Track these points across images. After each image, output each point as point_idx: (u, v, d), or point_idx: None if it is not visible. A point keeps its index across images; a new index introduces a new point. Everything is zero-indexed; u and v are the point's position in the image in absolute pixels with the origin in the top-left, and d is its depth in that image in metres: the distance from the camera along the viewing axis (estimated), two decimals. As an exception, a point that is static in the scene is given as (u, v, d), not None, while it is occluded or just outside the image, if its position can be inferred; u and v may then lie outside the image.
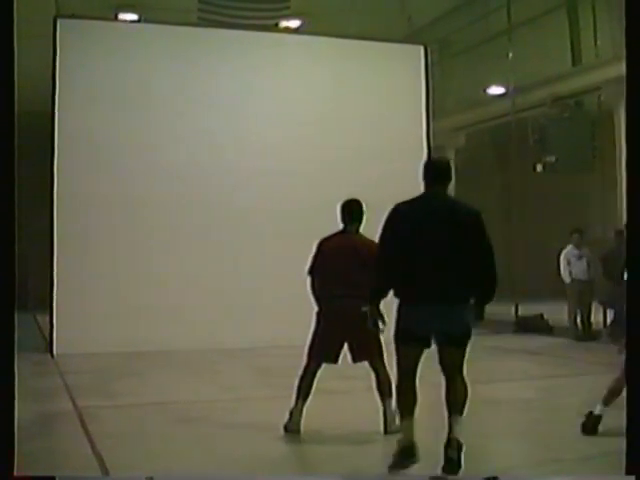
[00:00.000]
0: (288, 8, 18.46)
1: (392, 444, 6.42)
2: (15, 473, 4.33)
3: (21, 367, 4.72)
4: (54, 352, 14.08)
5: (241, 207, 15.40)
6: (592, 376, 10.57)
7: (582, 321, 16.24)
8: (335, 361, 7.88)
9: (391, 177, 15.85)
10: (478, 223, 6.30)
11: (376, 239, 6.68)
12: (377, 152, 16.02)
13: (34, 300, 18.31)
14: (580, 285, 16.26)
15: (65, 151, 14.54)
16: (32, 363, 12.65)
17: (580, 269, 16.39)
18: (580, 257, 16.47)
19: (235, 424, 8.33)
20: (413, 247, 6.21)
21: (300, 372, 7.96)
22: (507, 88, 21.46)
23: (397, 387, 6.47)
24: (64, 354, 13.62)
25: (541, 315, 17.97)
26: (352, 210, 7.96)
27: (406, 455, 6.16)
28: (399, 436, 6.41)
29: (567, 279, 16.44)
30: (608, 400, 7.55)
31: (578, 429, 7.59)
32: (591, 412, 7.62)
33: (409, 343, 6.24)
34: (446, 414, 6.33)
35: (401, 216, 6.33)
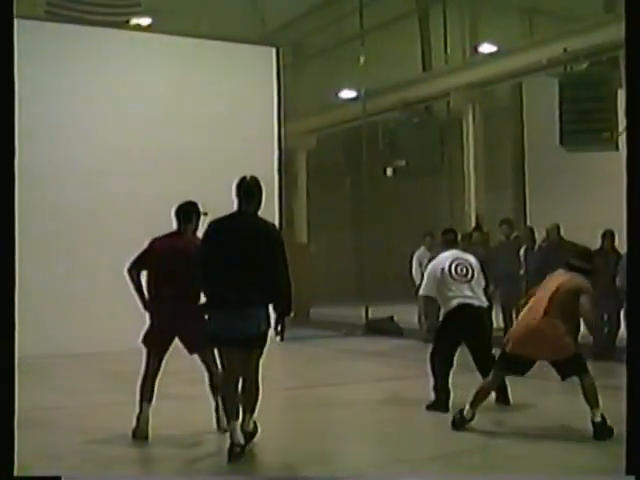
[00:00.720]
0: (139, 5, 18.18)
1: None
2: (15, 473, 4.30)
3: None
4: None
5: (85, 208, 15.05)
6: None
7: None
8: (163, 352, 7.88)
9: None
10: (278, 241, 7.06)
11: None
12: (226, 153, 15.91)
13: None
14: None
15: None
16: None
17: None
18: (431, 259, 16.70)
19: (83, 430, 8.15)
20: (220, 259, 6.91)
21: (141, 375, 7.89)
22: (358, 92, 21.69)
23: (220, 391, 7.28)
24: None
25: (391, 317, 18.18)
26: (186, 211, 8.02)
27: (232, 454, 6.78)
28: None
29: (418, 280, 16.66)
30: (474, 403, 7.92)
31: (424, 429, 7.74)
32: (461, 410, 7.93)
33: (219, 345, 7.05)
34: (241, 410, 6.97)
35: (212, 232, 7.09)
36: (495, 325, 15.27)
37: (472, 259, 9.54)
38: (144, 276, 8.05)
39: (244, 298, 6.82)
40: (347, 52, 21.74)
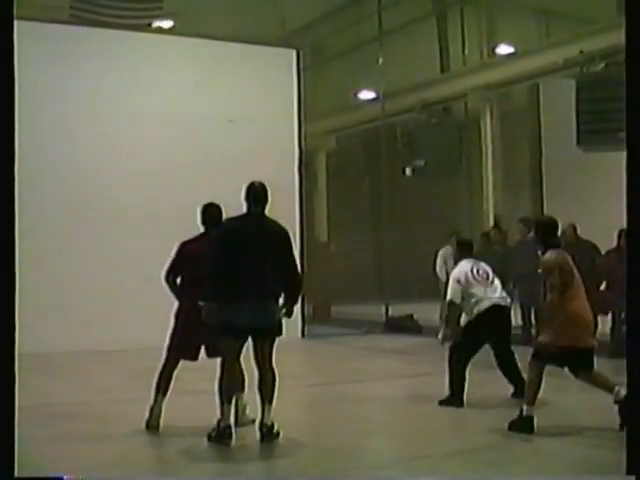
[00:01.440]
0: (161, 8, 18.33)
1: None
2: (16, 474, 4.36)
3: None
4: None
5: (112, 207, 15.23)
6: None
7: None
8: (194, 359, 8.07)
9: (262, 179, 15.95)
10: (287, 239, 7.65)
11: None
12: (248, 155, 16.06)
13: None
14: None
15: None
16: None
17: (455, 268, 16.72)
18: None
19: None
20: (234, 255, 7.35)
21: (159, 369, 8.06)
22: (377, 93, 21.78)
23: (220, 377, 7.46)
24: None
25: (411, 315, 18.28)
26: (211, 214, 8.23)
27: (224, 435, 7.26)
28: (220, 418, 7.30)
29: (443, 278, 16.75)
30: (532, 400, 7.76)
31: (443, 425, 7.81)
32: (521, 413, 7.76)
33: (230, 337, 7.34)
34: (259, 401, 7.41)
35: (226, 231, 7.61)
36: (514, 323, 15.45)
37: (487, 266, 9.76)
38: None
39: (259, 292, 7.33)
40: (366, 53, 21.85)
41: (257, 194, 7.60)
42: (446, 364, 9.32)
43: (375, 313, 19.22)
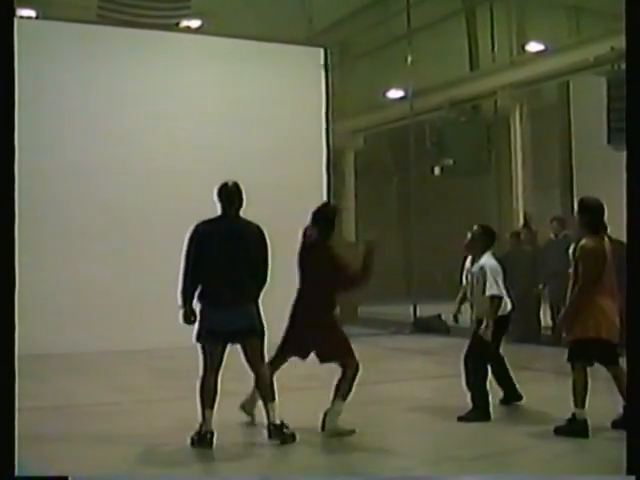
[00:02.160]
0: (189, 8, 18.34)
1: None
2: (16, 474, 4.30)
3: None
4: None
5: (142, 208, 15.26)
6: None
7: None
8: (304, 357, 8.03)
9: (290, 178, 15.96)
10: (262, 238, 7.55)
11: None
12: (277, 153, 16.05)
13: None
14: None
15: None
16: None
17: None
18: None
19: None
20: (210, 258, 7.33)
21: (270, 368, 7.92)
22: (406, 92, 21.70)
23: (201, 382, 7.36)
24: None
25: (439, 316, 18.16)
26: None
27: (204, 440, 7.18)
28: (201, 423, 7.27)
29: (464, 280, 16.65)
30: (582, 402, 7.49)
31: (472, 427, 7.73)
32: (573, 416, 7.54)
33: (211, 341, 7.35)
34: (261, 403, 7.48)
35: (200, 233, 7.49)
36: (543, 323, 15.32)
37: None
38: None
39: (233, 294, 7.32)
40: (394, 52, 21.78)
41: (230, 195, 7.52)
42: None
43: (403, 313, 19.15)
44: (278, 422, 7.37)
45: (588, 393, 7.50)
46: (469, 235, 9.19)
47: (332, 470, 6.91)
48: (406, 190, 21.75)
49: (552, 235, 15.13)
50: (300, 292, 7.98)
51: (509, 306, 8.97)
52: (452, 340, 15.63)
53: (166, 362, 12.88)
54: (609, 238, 7.86)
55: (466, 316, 9.25)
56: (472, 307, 9.14)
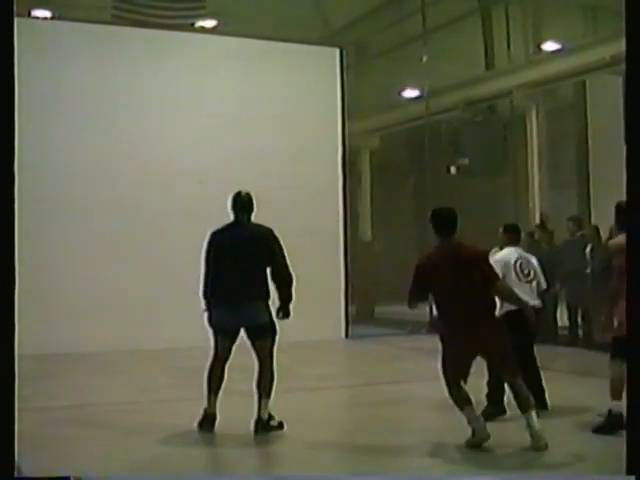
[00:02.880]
0: (204, 8, 18.41)
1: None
2: (15, 475, 4.30)
3: None
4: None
5: (160, 208, 15.30)
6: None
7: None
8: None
9: (306, 178, 15.96)
10: (275, 241, 7.97)
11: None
12: (292, 154, 16.06)
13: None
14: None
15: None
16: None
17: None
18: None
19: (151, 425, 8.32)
20: (223, 261, 7.91)
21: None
22: (421, 91, 21.65)
23: (209, 369, 8.00)
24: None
25: (454, 315, 18.10)
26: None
27: (208, 422, 7.84)
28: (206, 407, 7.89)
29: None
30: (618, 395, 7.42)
31: (490, 426, 7.68)
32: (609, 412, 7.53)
33: (221, 335, 7.97)
34: (256, 397, 7.76)
35: (216, 240, 8.17)
36: (560, 324, 15.26)
37: (534, 260, 9.22)
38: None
39: (244, 294, 7.81)
40: (410, 51, 21.72)
41: (243, 203, 8.14)
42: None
43: (419, 313, 19.05)
44: (266, 416, 7.74)
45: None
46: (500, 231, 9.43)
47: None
48: (422, 190, 21.70)
49: (568, 235, 15.08)
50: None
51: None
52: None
53: (184, 361, 12.88)
54: None
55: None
56: None
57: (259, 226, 8.12)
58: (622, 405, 7.27)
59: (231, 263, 7.88)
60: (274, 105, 16.42)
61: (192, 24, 18.35)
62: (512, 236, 9.41)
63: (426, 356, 14.75)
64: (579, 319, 14.71)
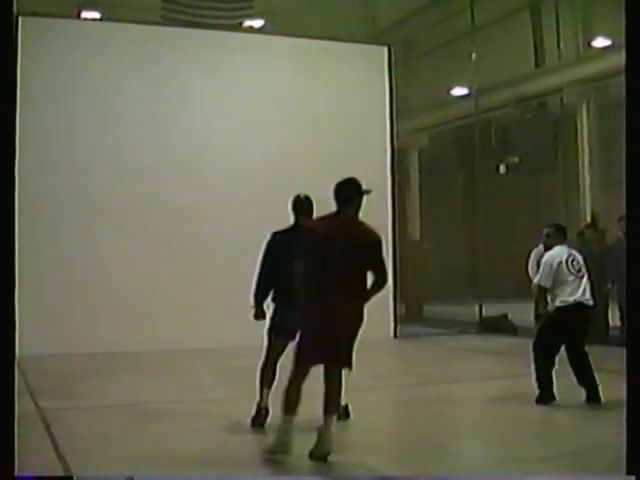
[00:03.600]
0: (252, 8, 18.47)
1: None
2: (15, 473, 4.37)
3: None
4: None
5: (210, 208, 15.33)
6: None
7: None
8: None
9: (354, 177, 15.88)
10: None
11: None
12: (341, 153, 15.98)
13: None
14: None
15: (25, 150, 14.34)
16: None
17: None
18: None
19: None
20: (285, 264, 7.42)
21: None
22: (470, 89, 21.55)
23: (262, 366, 8.08)
24: (25, 355, 13.46)
25: (505, 315, 17.98)
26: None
27: (260, 415, 7.94)
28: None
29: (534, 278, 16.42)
30: None
31: (538, 427, 7.62)
32: None
33: (283, 335, 7.82)
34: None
35: (277, 242, 8.14)
36: (611, 324, 15.07)
37: (581, 257, 9.40)
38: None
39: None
40: (458, 49, 21.63)
41: (303, 206, 8.20)
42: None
43: (468, 313, 18.99)
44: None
45: None
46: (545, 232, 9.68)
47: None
48: (471, 189, 21.59)
49: (620, 234, 14.88)
50: None
51: (569, 299, 9.02)
52: (518, 340, 15.49)
53: (232, 361, 12.89)
54: None
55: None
56: None
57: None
58: None
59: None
60: (322, 104, 16.38)
61: (240, 24, 18.41)
62: (561, 235, 9.61)
63: (475, 357, 14.74)
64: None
